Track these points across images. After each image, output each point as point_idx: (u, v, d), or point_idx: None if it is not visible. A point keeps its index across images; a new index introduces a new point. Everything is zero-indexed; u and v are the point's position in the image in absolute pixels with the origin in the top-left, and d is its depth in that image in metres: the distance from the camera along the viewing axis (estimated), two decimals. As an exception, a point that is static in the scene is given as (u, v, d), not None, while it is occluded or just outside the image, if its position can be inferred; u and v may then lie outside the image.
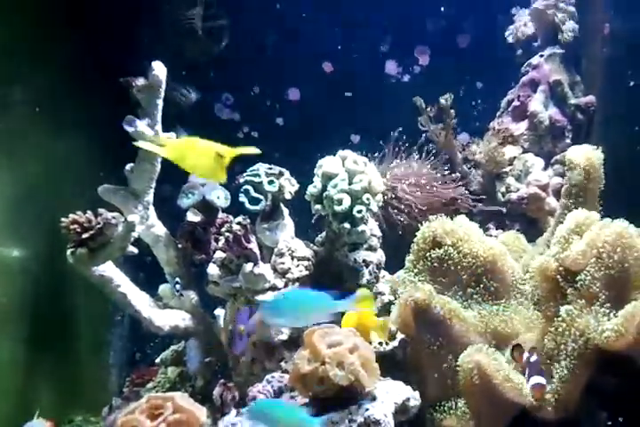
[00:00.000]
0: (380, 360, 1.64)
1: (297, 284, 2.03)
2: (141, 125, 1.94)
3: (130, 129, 1.93)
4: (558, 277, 1.67)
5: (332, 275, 2.13)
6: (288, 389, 1.83)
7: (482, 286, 1.87)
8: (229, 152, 1.12)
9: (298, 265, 2.05)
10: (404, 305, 1.77)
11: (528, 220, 2.36)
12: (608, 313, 1.55)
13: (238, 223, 1.97)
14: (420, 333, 1.78)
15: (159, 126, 1.99)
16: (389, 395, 1.53)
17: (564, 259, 1.65)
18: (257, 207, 2.03)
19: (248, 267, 2.01)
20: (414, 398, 1.59)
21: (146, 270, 2.30)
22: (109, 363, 2.76)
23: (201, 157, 1.12)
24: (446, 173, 2.55)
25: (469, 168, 2.73)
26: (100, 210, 1.84)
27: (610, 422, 1.61)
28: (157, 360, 2.30)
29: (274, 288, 2.02)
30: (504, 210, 2.47)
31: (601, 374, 1.61)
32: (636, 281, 1.61)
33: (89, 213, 1.83)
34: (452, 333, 1.76)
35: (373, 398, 1.53)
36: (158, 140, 1.21)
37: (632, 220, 1.68)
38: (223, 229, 2.04)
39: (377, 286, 2.14)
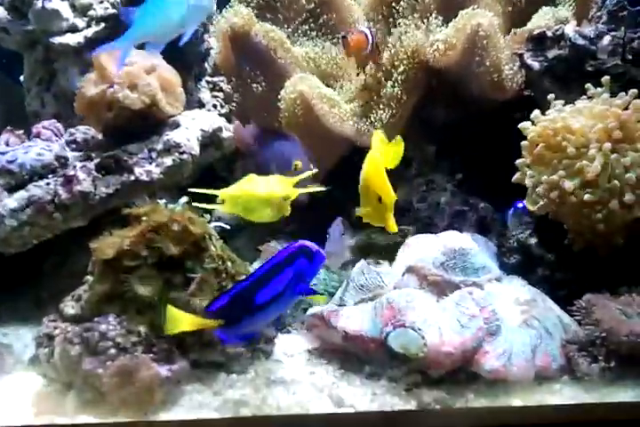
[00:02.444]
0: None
1: (102, 24, 1.71)
2: None
3: None
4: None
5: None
6: (96, 143, 1.60)
7: (317, 21, 1.65)
8: (294, 191, 1.03)
9: (102, 1, 1.71)
10: (222, 35, 1.52)
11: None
12: (441, 25, 1.38)
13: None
14: (241, 67, 1.56)
15: None
16: (196, 122, 1.34)
17: (400, -31, 1.43)
18: None
19: (38, 3, 1.65)
20: (227, 129, 1.41)
21: None
22: None
23: (263, 206, 1.02)
24: None
25: None
26: None
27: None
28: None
29: (73, 30, 1.69)
30: None
31: (430, 107, 1.50)
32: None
33: None
34: (276, 66, 1.55)
35: (177, 126, 1.33)
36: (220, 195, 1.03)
37: None
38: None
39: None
